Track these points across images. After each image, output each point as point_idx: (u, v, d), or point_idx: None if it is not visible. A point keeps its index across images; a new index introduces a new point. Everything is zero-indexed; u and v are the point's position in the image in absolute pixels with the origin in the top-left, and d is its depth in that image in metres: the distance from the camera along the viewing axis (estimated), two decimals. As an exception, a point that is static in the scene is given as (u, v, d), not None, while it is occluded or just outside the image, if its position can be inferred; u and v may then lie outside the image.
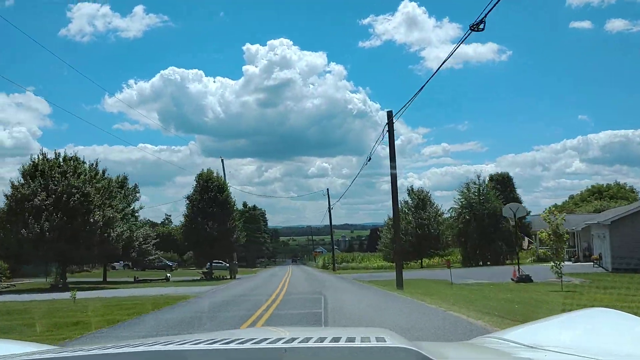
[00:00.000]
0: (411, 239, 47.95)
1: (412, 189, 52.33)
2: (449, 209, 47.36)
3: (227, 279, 37.90)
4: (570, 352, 1.38)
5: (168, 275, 37.46)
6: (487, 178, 50.55)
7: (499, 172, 55.37)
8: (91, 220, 28.14)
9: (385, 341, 1.27)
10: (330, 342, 1.25)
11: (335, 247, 72.12)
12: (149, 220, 43.40)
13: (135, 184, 40.09)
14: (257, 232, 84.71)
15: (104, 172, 31.59)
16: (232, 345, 1.23)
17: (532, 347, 1.56)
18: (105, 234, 29.24)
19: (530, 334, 1.81)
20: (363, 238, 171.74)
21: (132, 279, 36.27)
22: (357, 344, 1.21)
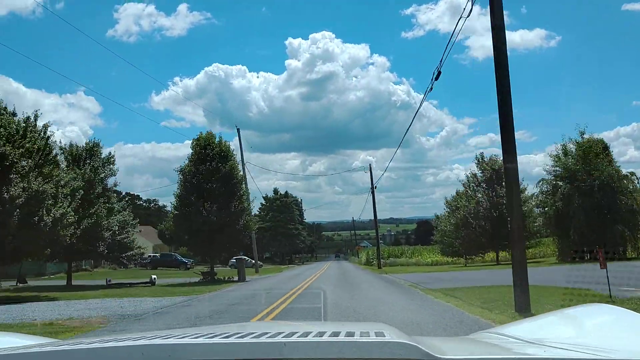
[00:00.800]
0: (484, 224, 35.70)
1: (482, 158, 39.42)
2: (539, 181, 33.84)
3: (233, 281, 27.82)
4: (570, 348, 1.34)
5: (153, 277, 27.42)
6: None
7: (588, 138, 42.17)
8: (5, 195, 18.26)
9: (384, 336, 1.24)
10: (329, 336, 1.23)
11: (380, 241, 61.03)
12: (128, 201, 32.42)
13: (110, 152, 28.14)
14: (290, 223, 73.59)
15: (45, 127, 21.17)
16: (232, 339, 1.21)
17: (531, 342, 1.54)
18: (36, 218, 19.31)
19: (530, 329, 1.77)
20: (409, 232, 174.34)
21: (105, 282, 26.53)
22: (357, 338, 1.19)
